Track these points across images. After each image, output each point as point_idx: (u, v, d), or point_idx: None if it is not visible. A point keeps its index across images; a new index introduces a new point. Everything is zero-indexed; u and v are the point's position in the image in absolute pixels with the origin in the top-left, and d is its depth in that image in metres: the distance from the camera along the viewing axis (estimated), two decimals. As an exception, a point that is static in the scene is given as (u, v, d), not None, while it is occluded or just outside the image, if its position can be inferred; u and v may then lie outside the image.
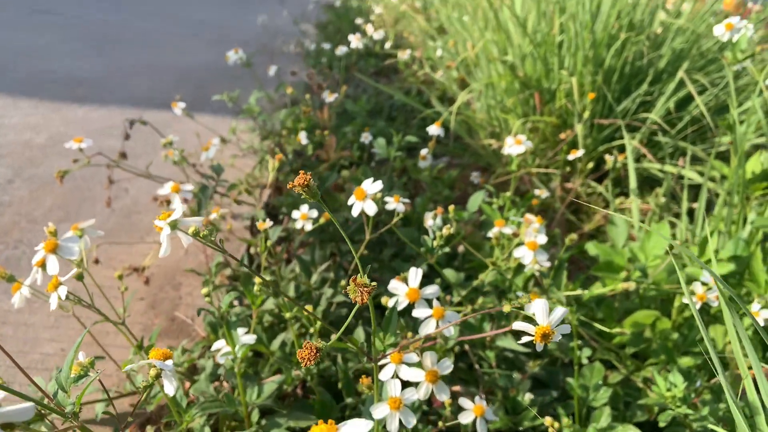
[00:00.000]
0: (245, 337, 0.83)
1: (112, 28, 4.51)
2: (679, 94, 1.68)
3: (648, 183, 1.85)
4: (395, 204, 1.00)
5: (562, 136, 1.83)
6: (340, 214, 1.48)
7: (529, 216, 1.00)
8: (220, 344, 0.83)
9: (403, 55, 2.69)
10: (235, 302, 1.20)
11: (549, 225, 1.88)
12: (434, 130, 1.51)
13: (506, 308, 0.56)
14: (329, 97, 1.78)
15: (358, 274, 0.44)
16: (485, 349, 1.05)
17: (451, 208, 1.03)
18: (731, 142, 1.37)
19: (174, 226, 0.51)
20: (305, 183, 0.46)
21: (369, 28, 2.79)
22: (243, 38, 5.12)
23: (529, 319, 0.51)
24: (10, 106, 2.27)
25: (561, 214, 1.70)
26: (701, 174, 1.58)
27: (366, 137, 1.82)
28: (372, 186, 0.78)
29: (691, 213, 1.64)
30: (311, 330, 0.88)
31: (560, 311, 0.48)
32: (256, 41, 5.03)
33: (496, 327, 1.06)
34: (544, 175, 2.01)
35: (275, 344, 0.97)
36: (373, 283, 0.43)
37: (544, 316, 0.48)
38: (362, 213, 0.81)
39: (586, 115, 1.51)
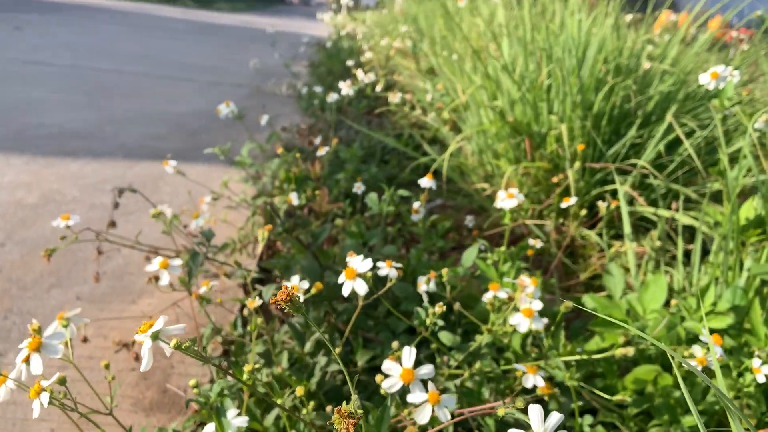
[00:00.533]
0: (236, 420, 0.81)
1: (105, 76, 4.55)
2: (669, 137, 1.68)
3: (642, 224, 1.85)
4: (387, 269, 0.99)
5: (555, 179, 1.83)
6: (334, 269, 1.47)
7: (523, 279, 0.99)
8: (211, 429, 0.81)
9: (394, 98, 2.71)
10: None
11: (545, 272, 1.87)
12: (426, 182, 1.50)
13: (500, 412, 0.54)
14: (320, 151, 1.78)
15: (344, 402, 0.43)
16: (484, 416, 1.03)
17: (444, 271, 1.02)
18: (723, 185, 1.37)
19: (155, 337, 0.50)
20: (288, 298, 0.45)
21: (360, 74, 2.81)
22: (236, 81, 5.17)
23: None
24: (2, 164, 2.27)
25: (558, 260, 1.69)
26: (695, 218, 1.58)
27: (358, 187, 1.82)
28: (362, 264, 0.77)
29: (687, 253, 1.63)
30: (304, 411, 0.85)
31: (555, 418, 0.47)
32: (249, 84, 5.08)
33: (496, 391, 1.04)
34: (539, 217, 2.00)
35: (269, 419, 0.95)
36: (360, 412, 0.42)
37: (539, 423, 0.47)
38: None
39: (577, 165, 1.51)
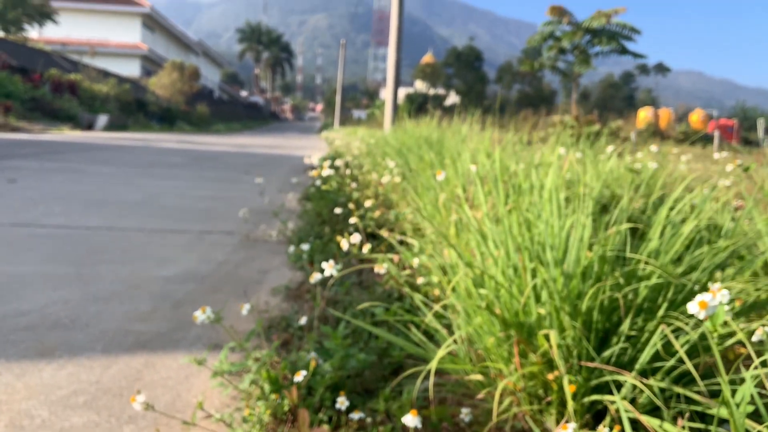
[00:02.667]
0: None
1: (96, 236, 4.55)
2: (663, 336, 1.60)
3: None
4: None
5: (550, 377, 1.73)
6: None
7: None
8: None
9: (380, 269, 2.66)
10: None
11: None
12: (410, 421, 1.40)
13: None
14: (297, 377, 1.69)
15: None
16: None
17: None
18: (729, 414, 1.27)
19: None
20: None
21: (344, 243, 2.78)
22: (227, 228, 5.19)
23: None
24: (-26, 375, 2.17)
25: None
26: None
27: (342, 402, 1.72)
28: None
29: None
30: None
31: None
32: (240, 230, 5.08)
33: None
34: (539, 413, 1.89)
35: None
36: None
37: None
38: None
39: (571, 401, 1.41)
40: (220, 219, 5.57)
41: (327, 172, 5.98)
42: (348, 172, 6.35)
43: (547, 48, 19.49)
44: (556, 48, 18.96)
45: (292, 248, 3.59)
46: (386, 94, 18.68)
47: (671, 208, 1.95)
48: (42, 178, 7.49)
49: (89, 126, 24.27)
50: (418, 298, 2.37)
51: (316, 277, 2.44)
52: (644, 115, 36.13)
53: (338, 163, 6.82)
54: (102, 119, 24.97)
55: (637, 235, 2.44)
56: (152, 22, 55.24)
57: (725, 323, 1.25)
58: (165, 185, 7.74)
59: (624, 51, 18.91)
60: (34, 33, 39.56)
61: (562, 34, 19.33)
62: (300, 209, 6.01)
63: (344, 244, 2.80)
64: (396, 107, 17.96)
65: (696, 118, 37.75)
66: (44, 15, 36.75)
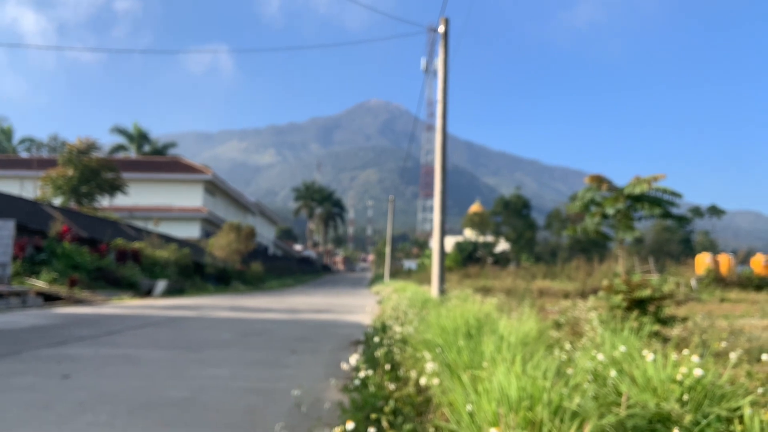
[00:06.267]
0: None
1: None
2: None
3: None
4: None
5: None
6: None
7: None
8: None
9: None
10: None
11: None
12: None
13: None
14: None
15: None
16: None
17: None
18: None
19: None
20: None
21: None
22: (264, 440, 5.10)
23: None
24: None
25: None
26: None
27: None
28: None
29: None
30: None
31: None
32: (278, 442, 4.99)
33: None
34: None
35: None
36: None
37: None
38: None
39: None
40: (258, 424, 5.52)
41: (364, 374, 5.97)
42: (388, 366, 6.32)
43: (590, 215, 19.80)
44: (599, 214, 19.26)
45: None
46: (433, 257, 18.97)
47: None
48: (94, 371, 7.68)
49: (148, 292, 25.26)
50: None
51: None
52: (703, 260, 35.23)
53: (377, 354, 6.83)
54: (161, 285, 26.01)
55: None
56: (213, 187, 59.28)
57: None
58: (210, 375, 7.81)
59: (667, 215, 18.99)
60: (104, 202, 42.86)
61: (603, 200, 19.70)
62: (339, 411, 5.91)
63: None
64: (443, 271, 18.16)
65: (759, 262, 36.54)
66: (115, 188, 40.04)
